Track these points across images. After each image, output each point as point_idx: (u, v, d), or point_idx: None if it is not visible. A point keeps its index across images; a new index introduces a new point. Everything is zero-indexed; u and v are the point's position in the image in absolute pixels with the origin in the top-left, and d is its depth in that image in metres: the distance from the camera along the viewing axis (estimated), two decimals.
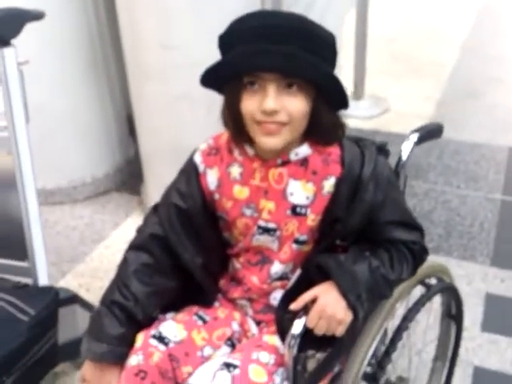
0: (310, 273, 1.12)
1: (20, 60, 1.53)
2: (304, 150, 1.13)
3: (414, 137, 1.30)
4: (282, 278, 1.20)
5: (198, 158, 1.20)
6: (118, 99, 2.80)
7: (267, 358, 1.12)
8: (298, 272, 1.18)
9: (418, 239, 1.19)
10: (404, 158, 1.28)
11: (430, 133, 1.33)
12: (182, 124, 2.27)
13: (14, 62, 1.50)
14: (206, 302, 1.25)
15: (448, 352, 1.60)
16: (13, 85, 1.51)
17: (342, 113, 1.13)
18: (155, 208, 1.26)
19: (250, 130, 1.09)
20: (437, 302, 1.54)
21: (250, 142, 1.13)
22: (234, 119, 1.10)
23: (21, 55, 1.56)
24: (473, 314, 2.03)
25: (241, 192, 1.17)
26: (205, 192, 1.19)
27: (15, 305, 1.50)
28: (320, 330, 1.06)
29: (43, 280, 1.67)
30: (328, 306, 1.05)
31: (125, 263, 1.20)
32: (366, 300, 1.08)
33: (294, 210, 1.14)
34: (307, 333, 1.06)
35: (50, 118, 2.56)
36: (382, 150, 1.19)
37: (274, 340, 1.16)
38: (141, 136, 2.51)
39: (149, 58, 2.21)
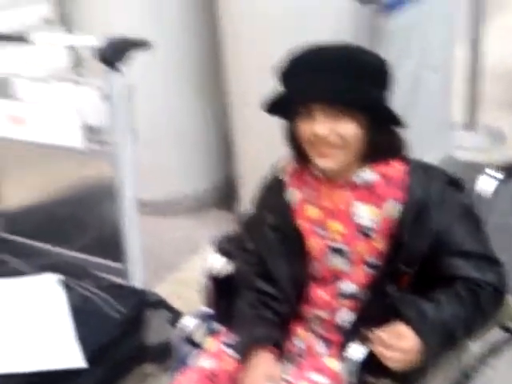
0: (388, 312, 1.14)
1: (128, 82, 1.71)
2: (367, 173, 1.18)
3: (498, 174, 1.27)
4: (351, 297, 1.22)
5: (283, 176, 1.28)
6: (220, 119, 2.94)
7: (322, 380, 1.15)
8: (368, 296, 1.20)
9: (494, 279, 1.15)
10: (483, 192, 1.25)
11: None
12: (278, 149, 2.36)
13: (119, 84, 1.67)
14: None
15: None
16: (117, 104, 1.69)
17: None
18: (247, 227, 1.34)
19: (308, 152, 1.17)
20: None
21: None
22: (293, 143, 1.21)
23: (135, 76, 1.73)
24: None
25: (311, 212, 1.23)
26: (291, 207, 1.26)
27: (108, 302, 1.65)
28: (389, 363, 1.07)
29: (136, 282, 1.81)
30: (413, 352, 1.07)
31: (243, 275, 1.30)
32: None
33: (361, 231, 1.18)
34: (368, 360, 1.09)
35: (159, 136, 2.77)
36: (454, 182, 1.18)
37: (333, 363, 1.18)
38: (238, 156, 2.63)
39: (249, 83, 2.33)
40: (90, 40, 1.78)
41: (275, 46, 2.17)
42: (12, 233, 2.08)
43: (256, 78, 2.28)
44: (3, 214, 2.12)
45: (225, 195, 3.03)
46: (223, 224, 2.81)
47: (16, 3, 6.01)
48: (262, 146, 2.43)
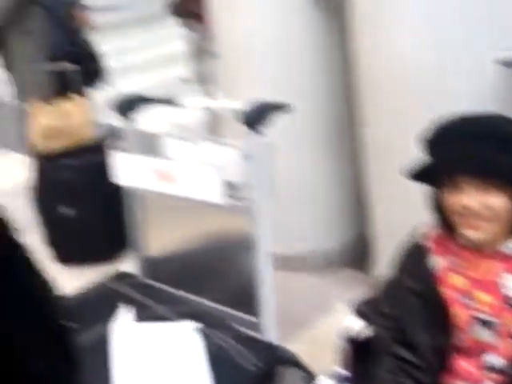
0: None
1: (268, 142, 1.79)
2: None
3: None
4: (498, 371, 1.17)
5: (425, 242, 1.26)
6: (354, 179, 2.96)
7: None
8: None
9: None
10: None
11: None
12: (415, 211, 2.32)
13: (260, 145, 1.77)
14: None
15: None
16: (257, 164, 1.78)
17: None
18: (385, 291, 1.34)
19: (455, 222, 1.16)
20: None
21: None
22: (438, 211, 1.20)
23: (274, 136, 1.81)
24: None
25: (456, 281, 1.20)
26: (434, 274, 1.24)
27: (242, 354, 1.69)
28: None
29: (269, 336, 1.84)
30: None
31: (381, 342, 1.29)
32: None
33: (510, 304, 1.14)
34: None
35: (292, 193, 2.84)
36: None
37: None
38: (373, 217, 2.61)
39: (387, 145, 2.33)
40: (235, 104, 1.90)
41: (416, 110, 2.18)
42: (155, 279, 2.22)
43: (394, 140, 2.28)
44: (148, 260, 2.27)
45: (356, 254, 3.00)
46: (354, 284, 2.78)
47: (156, 64, 6.64)
48: (398, 209, 2.40)
